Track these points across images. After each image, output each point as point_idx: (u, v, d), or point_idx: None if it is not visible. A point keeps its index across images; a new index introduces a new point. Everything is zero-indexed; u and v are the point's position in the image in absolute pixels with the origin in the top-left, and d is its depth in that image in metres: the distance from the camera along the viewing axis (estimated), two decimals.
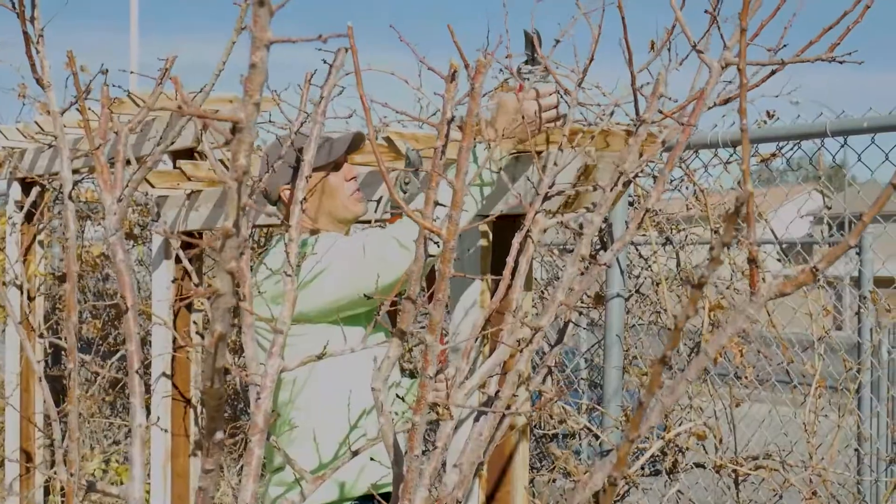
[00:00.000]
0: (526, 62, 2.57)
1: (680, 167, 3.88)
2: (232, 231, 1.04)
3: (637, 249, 4.67)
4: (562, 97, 2.56)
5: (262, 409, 1.92)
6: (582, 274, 1.98)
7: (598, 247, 4.12)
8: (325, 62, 2.41)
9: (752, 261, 1.26)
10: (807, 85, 4.34)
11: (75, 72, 2.23)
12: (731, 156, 3.98)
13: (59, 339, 5.63)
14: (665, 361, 0.90)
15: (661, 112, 2.03)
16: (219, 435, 1.23)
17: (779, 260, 4.74)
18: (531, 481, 4.58)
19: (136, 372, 2.26)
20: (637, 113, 2.19)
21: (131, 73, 2.73)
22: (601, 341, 4.72)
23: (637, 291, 4.75)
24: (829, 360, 3.96)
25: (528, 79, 2.54)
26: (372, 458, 2.47)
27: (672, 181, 4.15)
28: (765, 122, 3.92)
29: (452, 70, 1.67)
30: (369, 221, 3.26)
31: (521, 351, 2.00)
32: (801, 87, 4.13)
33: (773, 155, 3.91)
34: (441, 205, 1.74)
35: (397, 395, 2.23)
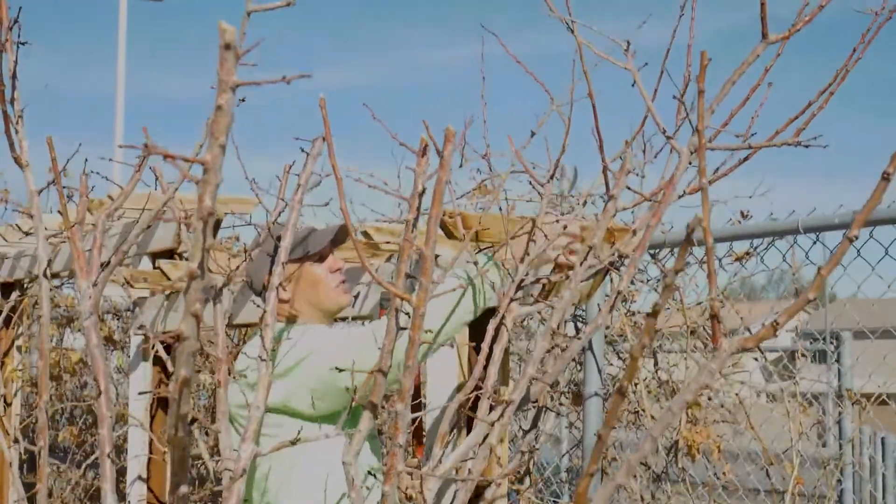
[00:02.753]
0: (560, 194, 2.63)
1: (656, 265, 3.92)
2: (196, 273, 1.05)
3: (615, 350, 4.67)
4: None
5: (235, 493, 1.90)
6: (553, 349, 1.99)
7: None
8: (302, 150, 2.46)
9: (713, 316, 1.28)
10: (777, 190, 4.41)
11: (54, 157, 2.26)
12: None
13: (34, 445, 5.55)
14: (622, 392, 0.91)
15: (628, 188, 2.07)
16: (183, 489, 1.22)
17: (761, 362, 4.74)
18: None
19: (108, 456, 2.24)
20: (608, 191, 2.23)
21: (110, 160, 2.77)
22: (580, 442, 4.69)
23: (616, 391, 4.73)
24: (812, 471, 3.95)
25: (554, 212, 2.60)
26: None
27: (648, 280, 4.19)
28: (739, 222, 3.97)
29: (423, 145, 1.71)
30: (346, 318, 3.27)
31: (492, 425, 1.99)
32: (773, 189, 4.21)
33: (748, 253, 3.95)
34: (412, 277, 1.76)
35: (369, 472, 2.21)
